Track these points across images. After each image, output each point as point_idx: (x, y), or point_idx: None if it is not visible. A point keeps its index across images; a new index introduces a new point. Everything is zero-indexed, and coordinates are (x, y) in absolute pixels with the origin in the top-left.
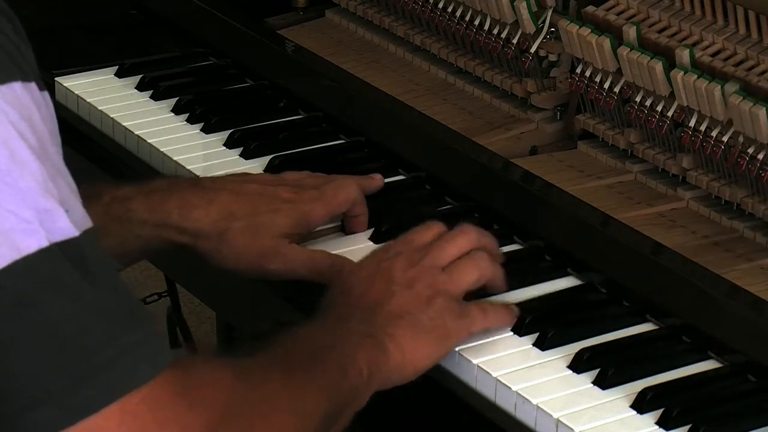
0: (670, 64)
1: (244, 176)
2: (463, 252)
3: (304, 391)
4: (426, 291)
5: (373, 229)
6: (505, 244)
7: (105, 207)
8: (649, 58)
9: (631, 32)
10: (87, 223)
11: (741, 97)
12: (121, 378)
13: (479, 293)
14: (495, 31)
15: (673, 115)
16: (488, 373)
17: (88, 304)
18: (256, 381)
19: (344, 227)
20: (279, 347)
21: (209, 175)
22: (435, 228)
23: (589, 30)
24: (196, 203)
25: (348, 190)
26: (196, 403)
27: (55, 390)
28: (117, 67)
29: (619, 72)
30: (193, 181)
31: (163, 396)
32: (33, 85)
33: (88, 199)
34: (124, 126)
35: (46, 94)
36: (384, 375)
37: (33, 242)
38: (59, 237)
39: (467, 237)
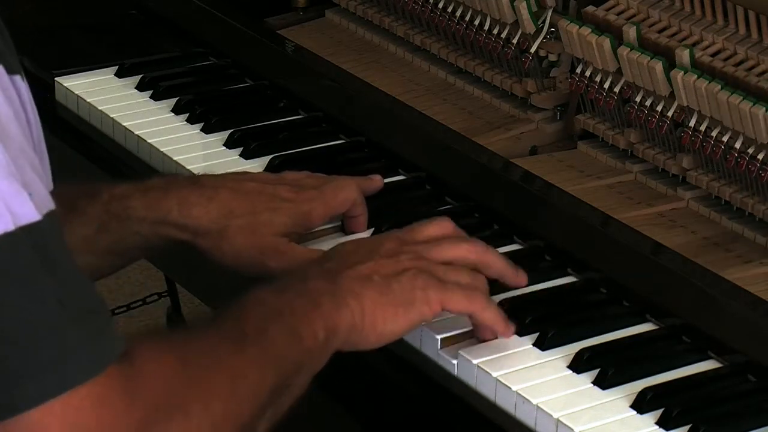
0: (670, 64)
1: (244, 175)
2: (461, 258)
3: (249, 371)
4: (406, 263)
5: (373, 229)
6: (505, 244)
7: (104, 205)
8: (649, 58)
9: (631, 32)
10: (49, 205)
11: (741, 97)
12: (66, 374)
13: None
14: (495, 31)
15: (673, 115)
16: (488, 373)
17: (43, 294)
18: (200, 367)
19: (344, 228)
20: (230, 319)
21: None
22: (444, 225)
23: (589, 30)
24: (195, 201)
25: (347, 191)
26: (137, 396)
27: None
28: (117, 67)
29: (619, 72)
30: (192, 179)
31: (107, 392)
32: None
33: (87, 197)
34: (124, 126)
35: (17, 77)
36: (343, 334)
37: None
38: (24, 221)
39: (472, 245)
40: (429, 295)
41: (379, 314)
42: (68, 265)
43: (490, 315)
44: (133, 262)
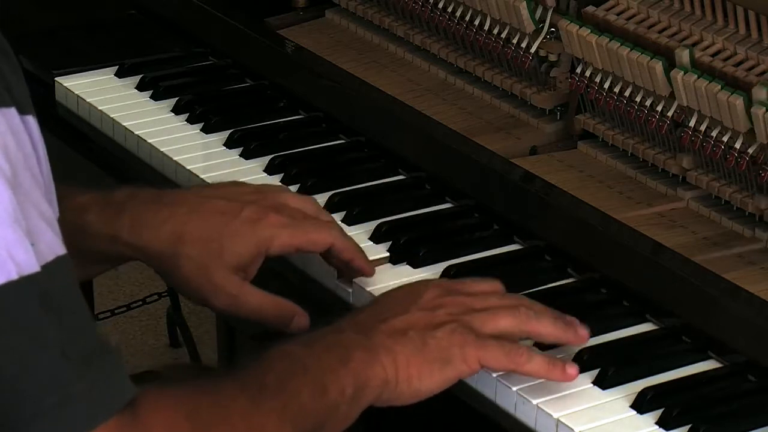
0: (670, 64)
1: (217, 189)
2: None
3: (267, 425)
4: (444, 317)
5: (373, 229)
6: (505, 244)
7: (62, 214)
8: (649, 58)
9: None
10: (57, 250)
11: (741, 98)
12: (66, 423)
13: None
14: (495, 31)
15: (673, 115)
16: (488, 373)
17: (45, 343)
18: (209, 419)
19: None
20: (252, 370)
21: (209, 174)
22: (492, 284)
23: (589, 30)
24: (148, 221)
25: (322, 234)
26: None
27: None
28: (117, 67)
29: (620, 72)
30: (154, 195)
31: None
32: (12, 111)
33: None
34: (124, 126)
35: (30, 118)
36: (375, 390)
37: (0, 275)
38: (26, 270)
39: (517, 301)
40: (467, 352)
41: (413, 371)
42: (73, 311)
43: (533, 367)
44: (97, 275)
